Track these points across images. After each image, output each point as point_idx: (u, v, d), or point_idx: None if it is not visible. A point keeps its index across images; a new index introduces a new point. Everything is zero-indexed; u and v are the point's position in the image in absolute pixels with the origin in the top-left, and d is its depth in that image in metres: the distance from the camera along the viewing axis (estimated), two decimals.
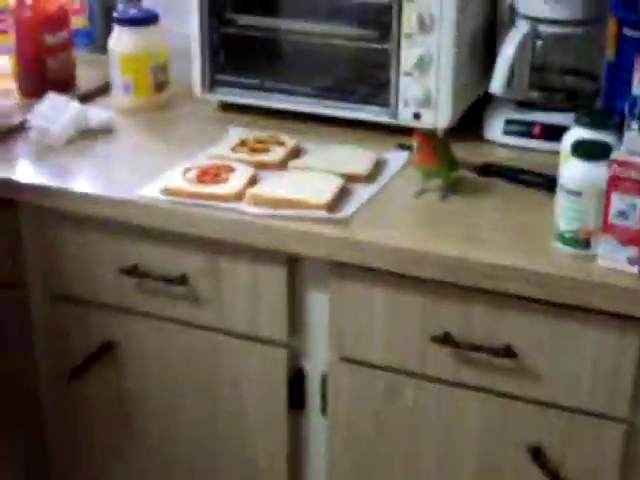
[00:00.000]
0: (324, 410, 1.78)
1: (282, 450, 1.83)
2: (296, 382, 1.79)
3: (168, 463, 1.95)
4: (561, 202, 1.53)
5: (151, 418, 1.93)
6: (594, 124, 1.56)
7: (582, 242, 1.52)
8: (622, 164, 1.44)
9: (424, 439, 1.70)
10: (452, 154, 1.76)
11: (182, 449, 1.92)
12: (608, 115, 1.60)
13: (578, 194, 1.50)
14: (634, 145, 1.46)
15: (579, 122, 1.58)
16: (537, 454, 1.62)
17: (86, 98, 2.15)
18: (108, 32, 2.29)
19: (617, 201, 1.45)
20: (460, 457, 1.69)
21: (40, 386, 1.99)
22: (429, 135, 1.74)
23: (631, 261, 1.47)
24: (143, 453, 1.97)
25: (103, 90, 2.21)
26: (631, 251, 1.47)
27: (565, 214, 1.52)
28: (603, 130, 1.56)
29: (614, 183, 1.45)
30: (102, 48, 2.38)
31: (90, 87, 2.22)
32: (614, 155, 1.46)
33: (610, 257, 1.48)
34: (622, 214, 1.46)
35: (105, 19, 2.45)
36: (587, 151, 1.50)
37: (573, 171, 1.51)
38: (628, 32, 1.60)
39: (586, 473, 1.60)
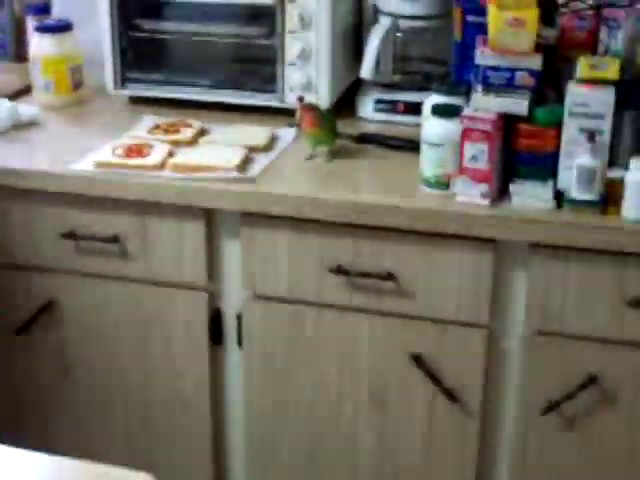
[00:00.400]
0: (240, 344, 2.12)
1: (205, 381, 2.16)
2: (215, 321, 2.12)
3: (107, 406, 2.26)
4: (426, 154, 1.92)
5: (90, 367, 2.23)
6: (448, 91, 1.95)
7: (444, 184, 1.91)
8: (471, 119, 1.84)
9: (325, 360, 2.06)
10: (335, 125, 2.13)
11: (119, 392, 2.23)
12: (457, 84, 2.00)
13: (439, 145, 1.89)
14: (479, 104, 1.86)
15: (436, 91, 1.97)
16: (419, 362, 1.99)
17: (9, 98, 2.44)
18: (19, 43, 2.61)
19: (469, 148, 1.85)
20: (356, 372, 2.05)
21: None
22: (310, 106, 2.10)
23: (483, 195, 1.87)
24: (84, 400, 2.27)
25: (23, 92, 2.51)
26: (482, 187, 1.86)
27: (429, 163, 1.91)
28: (455, 95, 1.94)
29: (466, 134, 1.85)
30: (14, 57, 2.71)
31: (11, 89, 2.52)
32: (465, 112, 1.86)
33: (466, 193, 1.88)
34: (474, 158, 1.85)
35: (15, 31, 2.76)
36: (444, 111, 1.89)
37: (434, 128, 1.90)
38: (470, 18, 2.00)
39: (458, 373, 1.98)
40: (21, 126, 2.30)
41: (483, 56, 1.86)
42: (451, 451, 2.03)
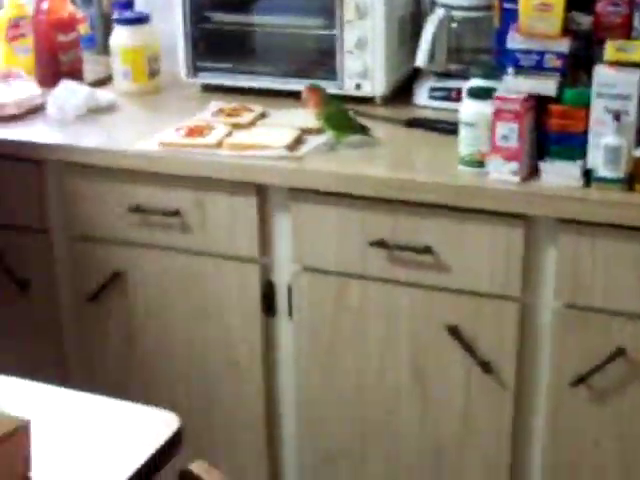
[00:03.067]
0: (290, 314, 2.25)
1: (258, 350, 2.29)
2: (268, 293, 2.26)
3: (168, 373, 2.41)
4: (461, 133, 2.02)
5: (154, 335, 2.39)
6: (484, 74, 2.05)
7: (478, 162, 2.01)
8: (502, 99, 1.94)
9: (368, 330, 2.17)
10: (344, 113, 2.21)
11: (178, 359, 2.38)
12: (495, 68, 2.09)
13: (473, 125, 1.99)
14: (510, 85, 1.96)
15: (474, 75, 2.07)
16: (455, 333, 2.09)
17: (93, 85, 2.63)
18: (106, 36, 2.79)
19: (500, 128, 1.95)
20: (396, 342, 2.15)
21: (61, 312, 2.45)
22: (314, 87, 2.21)
23: (514, 172, 1.96)
24: (147, 367, 2.43)
25: (105, 81, 2.70)
26: (513, 165, 1.95)
27: (465, 142, 2.01)
28: (491, 79, 2.04)
29: (498, 114, 1.95)
30: (102, 50, 2.90)
31: (95, 78, 2.70)
32: (497, 93, 1.96)
33: (498, 171, 1.97)
34: (505, 137, 1.95)
35: (103, 26, 2.96)
36: (477, 92, 2.00)
37: (469, 109, 2.01)
38: (507, 5, 2.10)
39: (492, 344, 2.07)
40: (99, 110, 2.47)
41: (514, 40, 1.96)
42: (487, 419, 2.12)
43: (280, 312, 2.27)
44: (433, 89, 2.44)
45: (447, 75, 2.45)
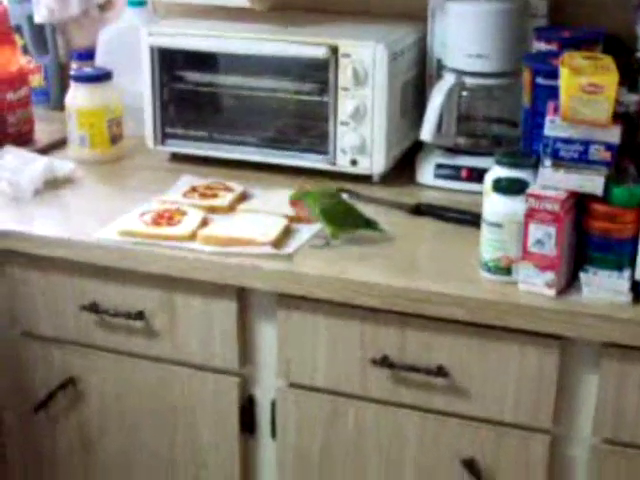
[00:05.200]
0: (274, 434, 1.91)
1: (234, 473, 1.95)
2: (247, 408, 1.91)
3: None
4: (484, 234, 1.69)
5: (111, 448, 2.04)
6: (512, 163, 1.72)
7: (504, 269, 1.68)
8: (537, 197, 1.61)
9: (367, 457, 1.84)
10: (351, 212, 1.86)
11: (141, 475, 2.04)
12: (525, 155, 1.77)
13: (499, 226, 1.66)
14: (548, 180, 1.63)
15: (499, 162, 1.74)
16: (471, 468, 1.76)
17: (44, 151, 2.28)
18: (62, 90, 2.44)
19: (534, 231, 1.62)
20: (400, 473, 1.82)
21: (4, 419, 2.09)
22: (294, 200, 1.86)
23: (549, 285, 1.63)
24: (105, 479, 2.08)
25: (60, 144, 2.34)
26: (548, 276, 1.63)
27: (488, 244, 1.68)
28: (520, 168, 1.72)
29: (531, 214, 1.62)
30: (57, 105, 2.55)
31: (48, 141, 2.35)
32: (530, 189, 1.63)
33: (529, 282, 1.64)
34: (539, 242, 1.62)
35: (59, 78, 2.61)
36: (506, 187, 1.66)
37: (494, 205, 1.68)
38: (541, 81, 1.77)
39: None
40: (54, 183, 2.12)
41: (553, 126, 1.63)
42: None
43: (261, 431, 1.93)
44: (439, 166, 2.11)
45: (455, 150, 2.12)
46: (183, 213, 1.92)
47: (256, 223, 1.87)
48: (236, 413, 1.91)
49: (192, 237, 1.84)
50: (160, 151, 2.25)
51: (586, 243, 1.65)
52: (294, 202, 1.86)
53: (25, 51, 2.59)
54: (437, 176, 2.11)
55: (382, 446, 1.82)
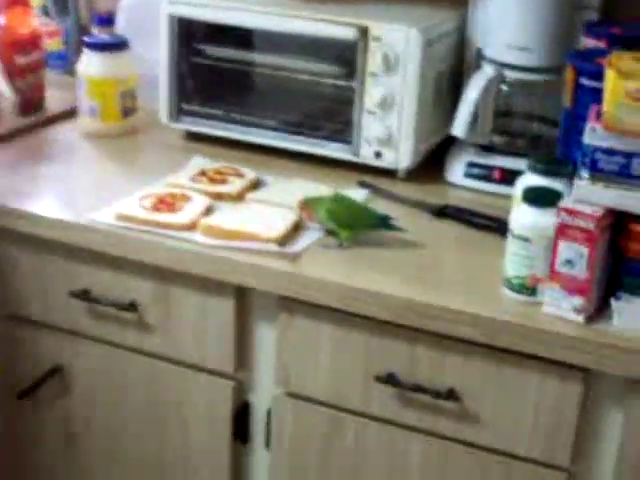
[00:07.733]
0: (268, 444, 1.76)
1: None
2: (242, 415, 1.77)
3: None
4: (510, 247, 1.52)
5: (96, 441, 1.91)
6: (546, 171, 1.56)
7: (529, 289, 1.51)
8: (570, 212, 1.44)
9: (365, 478, 1.69)
10: (362, 212, 1.72)
11: (127, 475, 1.90)
12: (561, 162, 1.60)
13: (526, 240, 1.49)
14: (583, 194, 1.46)
15: (532, 168, 1.58)
16: None
17: (52, 120, 2.14)
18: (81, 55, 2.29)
19: (564, 249, 1.45)
20: None
21: None
22: (303, 203, 1.70)
23: (577, 310, 1.46)
24: (88, 475, 1.95)
25: (70, 114, 2.20)
26: (577, 300, 1.46)
27: (513, 260, 1.52)
28: (555, 177, 1.55)
29: (562, 231, 1.45)
30: (74, 71, 2.39)
31: (58, 110, 2.21)
32: (563, 203, 1.46)
33: (555, 305, 1.48)
34: (569, 262, 1.45)
35: (79, 42, 2.45)
36: (537, 197, 1.50)
37: (523, 217, 1.51)
38: (585, 81, 1.60)
39: None
40: (57, 153, 1.97)
41: (594, 134, 1.45)
42: None
43: (255, 439, 1.78)
44: (471, 165, 1.95)
45: (489, 148, 1.95)
46: (187, 199, 1.77)
47: (263, 216, 1.72)
48: (229, 419, 1.77)
49: (192, 226, 1.69)
50: (173, 128, 2.10)
51: (621, 267, 1.48)
52: (302, 207, 1.70)
53: (46, 13, 2.44)
54: (467, 175, 1.94)
55: (382, 469, 1.67)
